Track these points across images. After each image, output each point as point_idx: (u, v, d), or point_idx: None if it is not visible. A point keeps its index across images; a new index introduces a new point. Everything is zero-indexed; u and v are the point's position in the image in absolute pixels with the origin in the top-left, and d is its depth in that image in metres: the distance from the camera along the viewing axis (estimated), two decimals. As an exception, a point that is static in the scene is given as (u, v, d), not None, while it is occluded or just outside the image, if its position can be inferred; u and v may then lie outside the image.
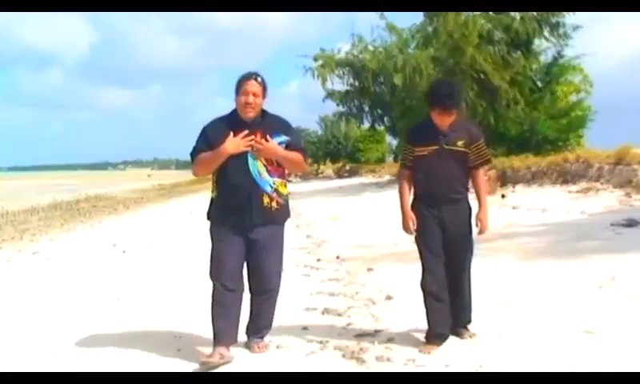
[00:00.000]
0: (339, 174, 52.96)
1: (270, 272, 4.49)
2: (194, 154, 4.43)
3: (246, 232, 4.35)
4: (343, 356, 4.43)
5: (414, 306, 5.63)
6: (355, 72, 31.74)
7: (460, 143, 4.54)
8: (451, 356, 4.30)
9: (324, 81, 30.41)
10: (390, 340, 4.74)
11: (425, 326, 4.66)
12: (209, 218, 4.52)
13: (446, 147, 4.53)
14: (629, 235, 8.56)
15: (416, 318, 5.12)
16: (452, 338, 4.62)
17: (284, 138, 4.44)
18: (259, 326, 4.62)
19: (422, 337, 4.68)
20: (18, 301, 6.86)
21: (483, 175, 4.80)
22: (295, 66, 29.89)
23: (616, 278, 5.97)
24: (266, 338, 4.70)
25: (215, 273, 4.40)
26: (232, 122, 4.38)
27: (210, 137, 4.37)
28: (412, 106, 28.54)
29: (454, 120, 4.57)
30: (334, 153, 69.63)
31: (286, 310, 5.56)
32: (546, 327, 4.77)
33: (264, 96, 4.42)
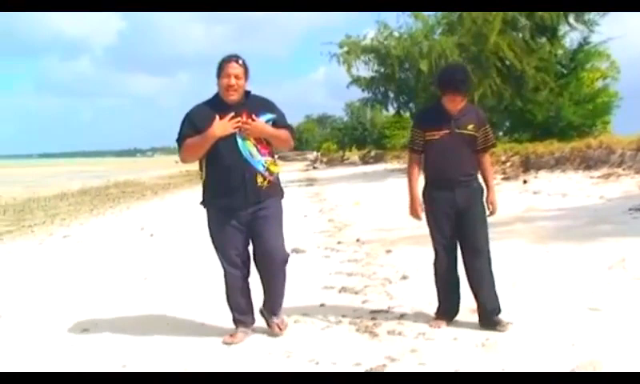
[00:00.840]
0: (364, 160, 52.97)
1: (270, 248, 4.47)
2: (180, 140, 4.39)
3: (242, 212, 4.35)
4: (357, 330, 4.67)
5: (427, 285, 5.83)
6: (380, 58, 31.72)
7: (470, 127, 4.59)
8: (459, 331, 4.51)
9: (349, 67, 30.52)
10: (403, 316, 4.98)
11: (436, 302, 4.87)
12: (204, 204, 4.53)
13: (457, 131, 4.57)
14: (643, 220, 8.67)
15: (429, 296, 5.34)
16: (461, 313, 4.83)
17: (270, 115, 4.44)
18: (274, 306, 4.63)
19: (432, 312, 4.90)
20: (52, 280, 7.19)
21: (489, 158, 4.87)
22: (321, 53, 30.02)
23: (626, 260, 6.14)
24: (284, 316, 4.78)
25: (222, 258, 4.48)
26: (216, 106, 4.38)
27: (196, 122, 4.35)
28: (437, 92, 28.58)
29: (464, 104, 4.63)
30: (360, 139, 69.67)
31: (304, 288, 5.82)
32: (553, 305, 4.96)
33: (246, 78, 4.41)
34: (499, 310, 4.61)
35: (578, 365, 3.61)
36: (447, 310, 4.77)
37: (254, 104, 4.44)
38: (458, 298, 4.79)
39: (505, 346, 4.12)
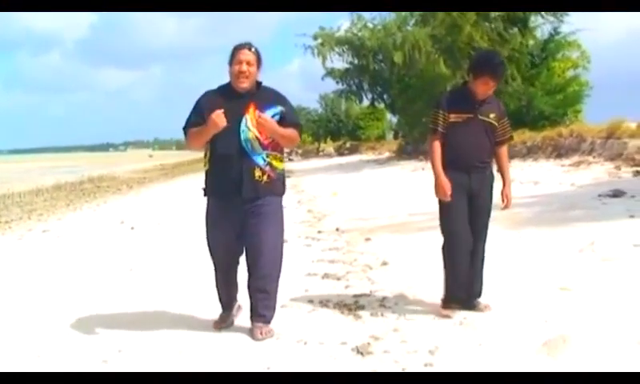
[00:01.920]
0: (340, 152, 53.26)
1: (262, 247, 4.32)
2: (187, 127, 4.37)
3: (239, 206, 4.26)
4: (341, 312, 4.89)
5: (406, 270, 6.16)
6: (354, 50, 31.97)
7: (492, 116, 4.67)
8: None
9: (324, 59, 30.71)
10: (384, 299, 5.21)
11: (416, 285, 5.11)
12: (205, 193, 4.47)
13: (480, 117, 4.63)
14: (613, 205, 9.02)
15: (408, 280, 5.63)
16: (438, 295, 5.06)
17: (279, 108, 4.33)
18: (261, 309, 4.42)
19: (412, 295, 5.15)
20: (36, 274, 7.25)
21: (506, 151, 4.91)
22: (295, 45, 30.12)
23: (595, 243, 6.45)
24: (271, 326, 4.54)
25: (212, 247, 4.46)
26: (226, 94, 4.32)
27: (203, 109, 4.29)
28: (411, 83, 28.85)
29: (491, 91, 4.67)
30: (335, 131, 69.73)
31: (288, 275, 5.97)
32: (526, 285, 5.24)
33: (258, 66, 4.34)
34: (480, 294, 4.78)
35: (549, 339, 3.86)
36: (456, 297, 4.74)
37: (264, 95, 4.35)
38: (466, 285, 4.76)
39: (481, 323, 4.38)
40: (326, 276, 6.22)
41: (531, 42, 26.66)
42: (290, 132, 4.37)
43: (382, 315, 4.76)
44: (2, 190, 25.11)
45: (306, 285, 5.86)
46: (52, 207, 18.42)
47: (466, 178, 4.63)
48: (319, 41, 30.45)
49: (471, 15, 23.90)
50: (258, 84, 4.39)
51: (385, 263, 6.63)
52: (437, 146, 4.70)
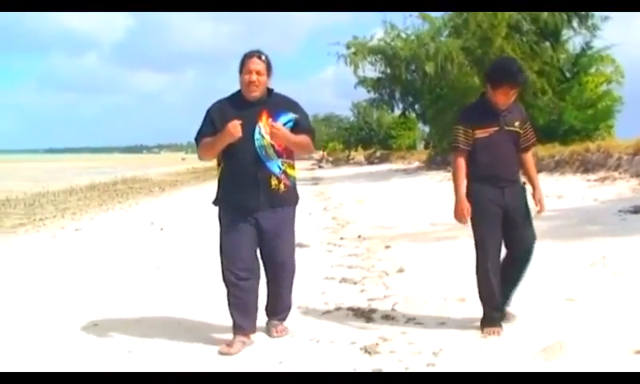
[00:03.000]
0: (369, 160, 53.47)
1: (283, 257, 4.40)
2: (199, 137, 4.31)
3: (254, 216, 4.22)
4: (354, 315, 5.14)
5: (421, 277, 6.40)
6: (387, 59, 32.12)
7: (516, 124, 4.53)
8: (447, 317, 4.98)
9: (356, 68, 30.92)
10: (396, 304, 5.43)
11: (428, 291, 5.32)
12: (216, 203, 4.41)
13: (506, 128, 4.49)
14: (632, 220, 9.11)
15: (421, 287, 5.85)
16: (449, 302, 5.28)
17: (292, 115, 4.28)
18: (277, 309, 4.59)
19: (423, 301, 5.38)
20: (68, 271, 7.61)
21: (532, 157, 4.80)
22: (328, 54, 30.39)
23: (607, 257, 6.58)
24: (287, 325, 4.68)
25: (227, 263, 4.30)
26: (237, 103, 4.27)
27: (214, 119, 4.25)
28: (442, 94, 28.94)
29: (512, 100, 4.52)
30: (366, 139, 69.92)
31: (307, 278, 6.25)
32: (533, 295, 5.39)
33: (269, 74, 4.28)
34: (508, 304, 4.70)
35: (547, 345, 4.05)
36: (495, 318, 4.59)
37: (276, 102, 4.30)
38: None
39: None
40: (343, 280, 6.47)
41: (563, 56, 26.58)
42: (303, 138, 4.33)
43: (393, 318, 4.99)
44: (37, 189, 25.78)
45: (323, 288, 6.10)
46: (85, 207, 18.91)
47: (499, 193, 4.48)
48: (352, 50, 30.66)
49: (502, 28, 23.95)
50: (269, 91, 4.34)
51: (401, 270, 6.85)
52: (460, 164, 4.52)
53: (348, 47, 30.61)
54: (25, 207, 19.33)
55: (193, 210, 15.34)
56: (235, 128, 4.07)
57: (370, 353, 4.16)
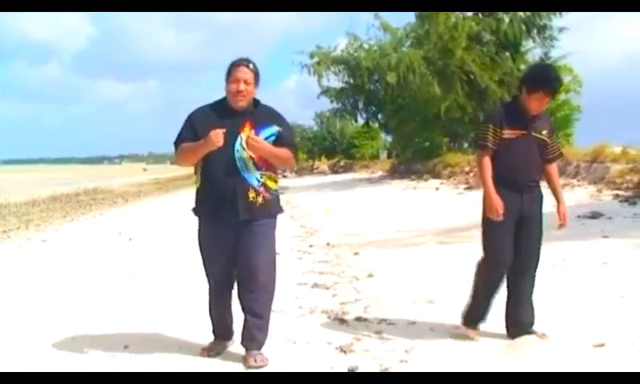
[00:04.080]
0: (333, 170, 53.79)
1: (256, 268, 4.16)
2: (178, 141, 4.20)
3: (232, 227, 4.11)
4: (328, 317, 5.35)
5: (390, 281, 6.65)
6: (350, 69, 32.49)
7: (544, 132, 4.53)
8: (417, 316, 5.20)
9: (320, 77, 31.21)
10: (368, 306, 5.65)
11: (398, 294, 5.55)
12: (195, 213, 4.32)
13: (533, 134, 4.48)
14: (590, 225, 9.50)
15: (391, 290, 6.11)
16: (418, 303, 5.51)
17: (275, 128, 4.18)
18: (252, 332, 4.24)
19: (393, 303, 5.61)
20: (39, 281, 7.63)
21: (557, 169, 4.79)
22: (292, 63, 30.61)
23: (566, 260, 6.93)
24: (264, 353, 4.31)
25: (207, 270, 4.32)
26: (221, 111, 4.16)
27: (196, 125, 4.14)
28: (404, 104, 29.38)
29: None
30: (330, 149, 70.20)
31: (280, 284, 6.38)
32: (498, 296, 5.67)
33: (256, 84, 4.18)
34: (533, 322, 4.59)
35: (512, 342, 4.40)
36: (482, 317, 4.67)
37: (261, 114, 4.22)
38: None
39: (454, 329, 4.81)
40: (315, 285, 6.67)
41: (522, 67, 27.22)
42: (284, 152, 4.21)
43: (365, 320, 5.21)
44: (-2, 200, 25.40)
45: (296, 293, 6.28)
46: (49, 218, 18.71)
47: (517, 198, 4.45)
48: (315, 59, 30.94)
49: (463, 39, 24.47)
50: (256, 102, 4.24)
51: (371, 275, 7.07)
52: (487, 162, 4.47)
53: (311, 57, 30.91)
54: (-14, 219, 19.08)
55: (159, 220, 15.38)
56: (217, 136, 3.97)
57: (345, 352, 4.37)
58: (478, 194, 14.95)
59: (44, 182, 47.92)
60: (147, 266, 8.26)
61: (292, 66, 30.81)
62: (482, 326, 4.70)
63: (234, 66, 4.14)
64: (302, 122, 71.80)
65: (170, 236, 11.46)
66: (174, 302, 6.00)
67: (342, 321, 5.22)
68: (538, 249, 4.62)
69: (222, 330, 4.48)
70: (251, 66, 4.16)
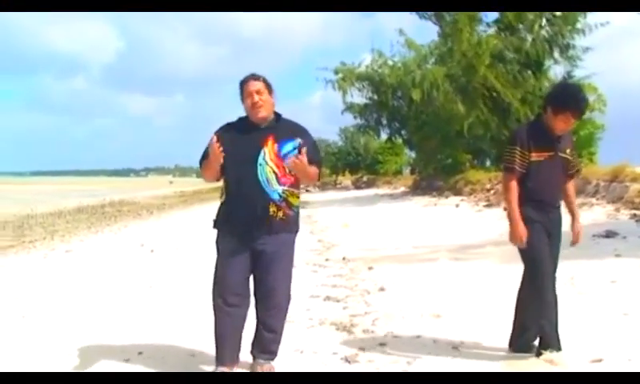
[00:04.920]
0: (356, 185, 53.98)
1: (275, 285, 4.19)
2: (203, 158, 4.23)
3: (251, 242, 4.09)
4: (337, 329, 5.52)
5: (400, 296, 6.80)
6: (374, 86, 32.74)
7: (568, 151, 4.52)
8: (423, 331, 5.34)
9: (344, 93, 31.50)
10: (377, 319, 5.81)
11: (406, 308, 5.72)
12: (215, 226, 4.29)
13: (560, 155, 4.47)
14: (604, 244, 9.54)
15: (400, 304, 6.27)
16: (425, 318, 5.66)
17: (297, 141, 4.13)
18: (264, 344, 4.30)
19: (401, 316, 5.78)
20: (62, 290, 7.88)
21: (574, 185, 4.79)
22: (316, 79, 30.93)
23: (574, 277, 7.02)
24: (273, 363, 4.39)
25: (217, 287, 4.20)
26: (244, 126, 4.20)
27: (221, 142, 4.06)
28: (427, 120, 29.50)
29: None
30: (354, 164, 70.40)
31: (293, 296, 6.59)
32: (502, 313, 5.80)
33: (270, 92, 4.19)
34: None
35: (514, 357, 4.52)
36: (557, 342, 4.51)
37: (283, 128, 4.21)
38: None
39: (457, 344, 4.95)
40: (327, 298, 6.83)
41: (545, 85, 27.22)
42: (312, 170, 4.19)
43: (372, 332, 5.37)
44: (25, 211, 25.92)
45: (308, 305, 6.45)
46: (74, 229, 19.09)
47: (546, 217, 4.47)
48: (340, 75, 31.22)
49: (486, 57, 24.54)
50: (278, 116, 4.27)
51: (382, 289, 7.23)
52: (514, 186, 4.43)
53: (336, 73, 31.20)
54: (13, 229, 19.50)
55: (182, 232, 15.61)
56: (212, 146, 4.01)
57: (349, 362, 4.54)
58: (496, 212, 15.21)
59: (70, 194, 48.72)
60: (166, 277, 8.48)
61: (317, 82, 31.13)
62: (486, 341, 4.83)
63: (243, 83, 4.20)
64: (326, 136, 72.11)
65: (192, 248, 11.66)
66: (191, 312, 6.18)
67: (350, 332, 5.39)
68: (556, 266, 4.63)
69: (227, 359, 4.24)
70: (259, 77, 4.20)
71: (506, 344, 4.78)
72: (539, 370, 4.24)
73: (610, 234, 10.17)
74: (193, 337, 5.26)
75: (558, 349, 4.43)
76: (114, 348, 5.06)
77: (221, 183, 4.30)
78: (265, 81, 4.19)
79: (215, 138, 4.02)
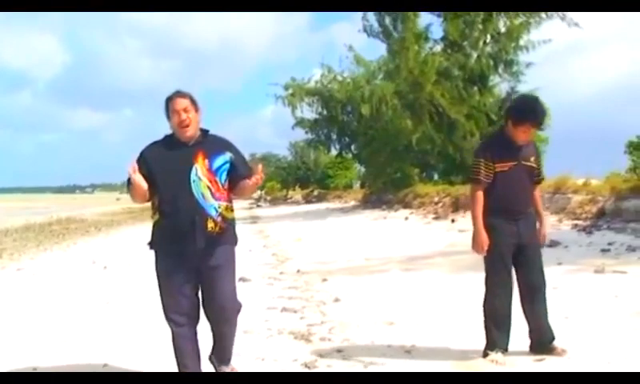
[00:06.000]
0: (307, 200, 54.22)
1: (222, 299, 4.19)
2: (128, 183, 4.10)
3: (192, 259, 4.06)
4: (295, 338, 5.74)
5: (355, 306, 7.06)
6: (324, 101, 33.15)
7: (532, 159, 4.72)
8: (376, 335, 5.60)
9: (294, 109, 31.83)
10: (333, 328, 6.04)
11: (361, 317, 5.99)
12: (151, 247, 4.23)
13: (523, 163, 4.67)
14: (547, 253, 9.89)
15: (355, 313, 6.53)
16: (378, 324, 5.93)
17: (228, 155, 4.16)
18: (223, 353, 4.40)
19: (356, 324, 6.04)
20: (19, 306, 7.90)
21: (539, 192, 5.02)
22: (267, 94, 31.21)
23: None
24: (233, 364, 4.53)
25: (166, 310, 4.23)
26: (172, 144, 4.13)
27: (149, 161, 4.09)
28: (376, 135, 29.99)
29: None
30: (304, 178, 70.61)
31: (251, 308, 6.78)
32: (451, 318, 6.13)
33: (197, 110, 4.13)
34: (553, 338, 4.84)
35: (465, 355, 4.76)
36: (504, 344, 4.79)
37: (212, 143, 4.18)
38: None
39: (410, 347, 5.22)
40: (284, 309, 7.03)
41: (490, 100, 27.96)
42: (251, 183, 4.19)
43: (329, 340, 5.60)
44: (-30, 230, 25.30)
45: (266, 316, 6.65)
46: (22, 247, 18.70)
47: (514, 227, 4.65)
48: (290, 91, 31.53)
49: (432, 74, 25.18)
50: (205, 132, 4.22)
51: (337, 300, 7.48)
52: (479, 197, 4.66)
53: (286, 88, 31.50)
54: (-42, 248, 19.06)
55: (133, 248, 15.53)
56: (132, 175, 4.00)
57: (309, 367, 4.77)
58: (444, 224, 15.64)
59: (17, 212, 47.70)
60: (123, 293, 8.55)
61: (267, 97, 31.41)
62: (437, 344, 5.11)
63: (169, 100, 4.12)
64: (277, 151, 72.30)
65: (144, 264, 11.64)
66: (149, 326, 6.27)
67: (308, 340, 5.61)
68: (542, 270, 4.84)
69: (190, 366, 4.29)
70: (185, 94, 4.14)
71: (454, 347, 5.14)
72: (484, 370, 4.52)
73: (553, 244, 10.63)
74: (155, 350, 5.35)
75: (504, 350, 4.73)
76: (77, 359, 5.21)
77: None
78: (191, 98, 4.13)
79: (133, 169, 3.99)
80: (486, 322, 4.83)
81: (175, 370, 4.35)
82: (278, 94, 31.04)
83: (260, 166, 4.14)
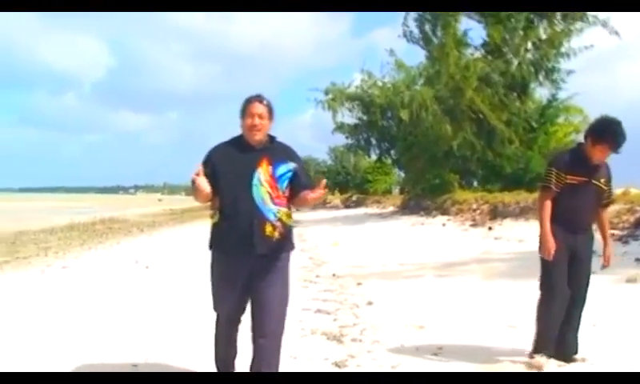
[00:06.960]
0: (346, 204, 54.30)
1: (271, 308, 4.17)
2: (193, 183, 4.12)
3: (247, 263, 4.08)
4: (327, 338, 5.95)
5: (387, 309, 7.21)
6: (364, 106, 33.36)
7: (602, 180, 4.83)
8: (407, 339, 5.76)
9: (334, 113, 32.08)
10: (364, 330, 6.23)
11: (393, 319, 6.13)
12: (211, 247, 4.28)
13: (593, 182, 4.78)
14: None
15: (387, 316, 6.70)
16: (408, 329, 6.09)
17: (292, 165, 4.19)
18: (262, 365, 4.23)
19: (388, 327, 6.21)
20: (65, 303, 8.19)
21: (607, 214, 5.15)
22: (307, 99, 31.47)
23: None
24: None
25: (217, 309, 4.34)
26: (238, 146, 4.19)
27: (215, 162, 4.14)
28: (415, 140, 30.02)
29: None
30: (343, 183, 70.76)
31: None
32: (480, 323, 6.25)
33: (270, 118, 4.19)
34: (576, 352, 4.98)
35: (485, 362, 4.94)
36: (552, 349, 4.92)
37: (277, 151, 4.21)
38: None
39: (437, 350, 5.37)
40: (318, 311, 7.26)
41: (531, 107, 27.76)
42: (310, 197, 4.18)
43: (360, 341, 5.79)
44: (16, 227, 25.98)
45: (300, 317, 6.85)
46: (67, 246, 19.14)
47: (572, 239, 4.80)
48: (330, 96, 31.77)
49: (473, 80, 25.09)
50: (272, 138, 4.25)
51: (370, 303, 7.67)
52: (548, 204, 4.81)
53: (326, 93, 31.77)
54: (6, 245, 19.60)
55: (174, 249, 15.89)
56: (197, 179, 4.07)
57: (339, 366, 4.98)
58: (481, 232, 15.63)
59: (61, 211, 48.68)
60: (163, 292, 8.83)
61: (308, 101, 31.73)
62: (466, 347, 5.24)
63: (249, 102, 4.18)
64: (316, 155, 72.56)
65: (185, 264, 11.96)
66: (189, 327, 6.54)
67: (340, 341, 5.82)
68: (586, 287, 4.95)
69: (226, 361, 4.46)
70: (265, 101, 4.18)
71: (485, 349, 5.29)
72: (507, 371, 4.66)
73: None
74: (189, 351, 5.53)
75: (549, 355, 4.88)
76: (110, 360, 5.38)
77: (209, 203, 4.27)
78: (269, 107, 4.19)
79: (199, 172, 4.07)
80: (538, 324, 4.96)
81: (206, 370, 4.54)
82: (318, 98, 31.29)
83: (324, 181, 4.15)
